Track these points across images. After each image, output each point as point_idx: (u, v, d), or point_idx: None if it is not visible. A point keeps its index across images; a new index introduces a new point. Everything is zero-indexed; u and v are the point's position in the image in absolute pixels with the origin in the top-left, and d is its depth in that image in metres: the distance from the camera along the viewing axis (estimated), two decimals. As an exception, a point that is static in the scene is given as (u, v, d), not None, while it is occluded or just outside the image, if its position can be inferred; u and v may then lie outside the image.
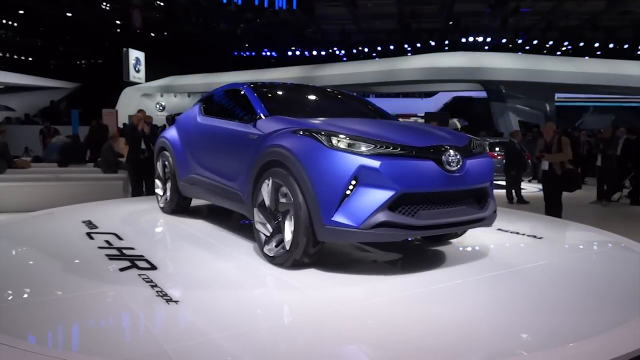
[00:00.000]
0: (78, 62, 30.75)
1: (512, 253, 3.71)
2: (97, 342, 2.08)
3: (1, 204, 6.70)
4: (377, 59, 24.40)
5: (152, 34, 23.54)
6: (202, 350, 2.03)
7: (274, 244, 3.19)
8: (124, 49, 16.65)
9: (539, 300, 2.75)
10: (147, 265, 3.12)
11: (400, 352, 2.08)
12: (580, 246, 4.34)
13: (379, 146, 2.88)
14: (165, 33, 24.58)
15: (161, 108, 25.97)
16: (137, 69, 17.17)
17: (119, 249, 3.53)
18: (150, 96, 26.03)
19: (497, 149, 11.79)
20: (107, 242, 3.71)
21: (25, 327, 2.22)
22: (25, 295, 2.63)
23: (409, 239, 3.78)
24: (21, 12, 21.11)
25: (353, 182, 2.79)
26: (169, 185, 4.80)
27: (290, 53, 26.47)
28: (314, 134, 2.98)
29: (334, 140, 2.90)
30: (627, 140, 9.76)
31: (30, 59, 28.55)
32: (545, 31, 22.84)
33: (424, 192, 2.93)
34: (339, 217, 2.79)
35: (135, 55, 17.10)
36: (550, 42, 23.52)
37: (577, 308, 2.63)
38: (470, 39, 23.34)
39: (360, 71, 20.41)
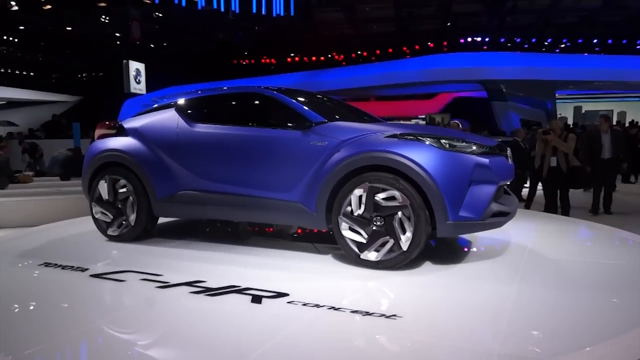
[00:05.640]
0: (79, 76, 30.90)
1: (520, 253, 3.67)
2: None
3: (3, 219, 6.69)
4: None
5: (152, 45, 23.62)
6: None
7: (373, 249, 3.18)
8: (124, 61, 16.63)
9: (548, 303, 2.71)
10: (273, 293, 2.78)
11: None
12: (587, 243, 4.30)
13: (477, 147, 3.18)
14: (165, 44, 24.66)
15: None
16: (137, 80, 17.16)
17: (190, 283, 2.94)
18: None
19: None
20: (155, 280, 3.03)
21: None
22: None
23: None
24: (21, 27, 21.24)
25: (470, 179, 3.06)
26: (130, 208, 4.10)
27: (289, 59, 26.54)
28: (421, 138, 3.15)
29: (443, 143, 3.13)
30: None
31: (31, 73, 28.71)
32: (543, 29, 22.79)
33: (504, 184, 3.42)
34: (463, 212, 3.06)
35: (136, 66, 17.07)
36: (549, 40, 23.50)
37: (591, 310, 2.58)
38: (469, 39, 23.31)
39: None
